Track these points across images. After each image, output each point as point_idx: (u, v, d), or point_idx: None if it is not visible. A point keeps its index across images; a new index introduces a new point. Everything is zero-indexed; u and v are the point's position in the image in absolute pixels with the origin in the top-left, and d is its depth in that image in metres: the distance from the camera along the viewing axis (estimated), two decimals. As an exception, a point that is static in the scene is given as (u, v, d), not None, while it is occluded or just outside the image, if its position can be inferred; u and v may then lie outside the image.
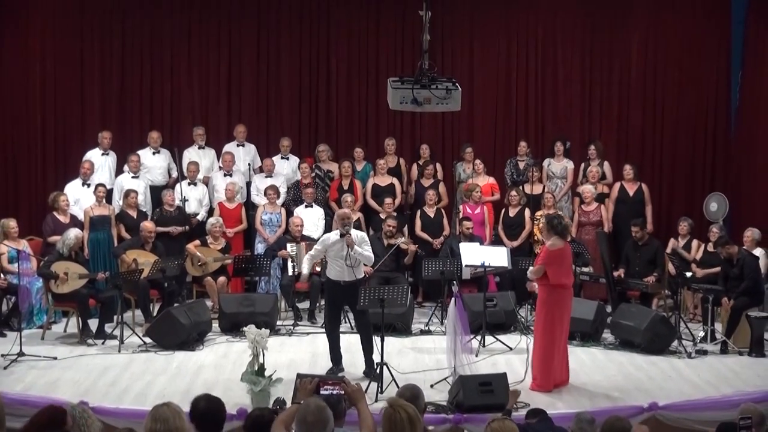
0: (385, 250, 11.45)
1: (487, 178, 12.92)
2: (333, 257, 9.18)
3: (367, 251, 9.18)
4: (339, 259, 9.07)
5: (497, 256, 10.80)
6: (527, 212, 12.41)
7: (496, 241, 12.23)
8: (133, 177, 12.42)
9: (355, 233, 9.14)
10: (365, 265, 9.41)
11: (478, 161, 12.90)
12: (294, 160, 13.17)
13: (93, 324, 10.56)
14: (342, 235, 9.03)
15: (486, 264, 10.61)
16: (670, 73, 14.03)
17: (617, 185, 12.80)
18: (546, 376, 8.90)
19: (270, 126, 13.90)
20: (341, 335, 9.48)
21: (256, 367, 8.33)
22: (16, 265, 10.57)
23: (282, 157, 13.08)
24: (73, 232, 10.77)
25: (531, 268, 9.21)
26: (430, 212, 12.52)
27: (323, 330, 10.81)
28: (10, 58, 13.34)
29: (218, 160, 13.03)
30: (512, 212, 12.51)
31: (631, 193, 12.68)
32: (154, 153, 12.87)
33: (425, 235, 12.41)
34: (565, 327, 9.10)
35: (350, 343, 9.52)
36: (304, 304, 11.80)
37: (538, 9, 13.96)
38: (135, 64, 13.69)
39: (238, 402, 7.95)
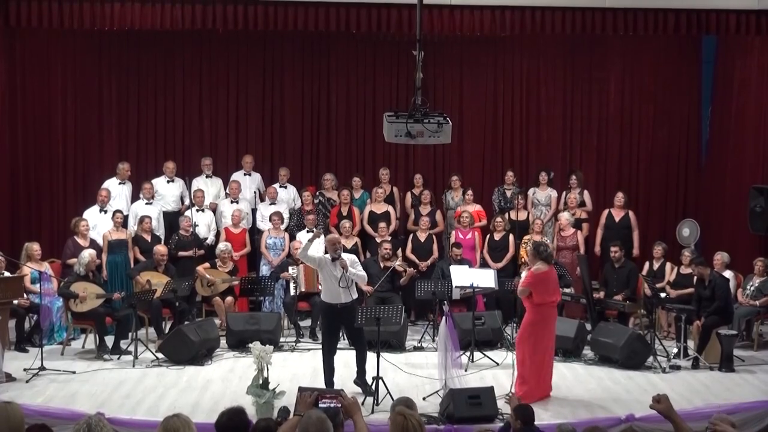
0: (381, 272, 11.47)
1: (474, 205, 12.96)
2: (327, 279, 8.98)
3: (360, 271, 9.14)
4: (333, 281, 8.91)
5: (485, 278, 10.85)
6: (511, 237, 12.43)
7: (483, 264, 12.25)
8: (147, 204, 12.43)
9: (345, 256, 9.03)
10: (362, 284, 9.32)
11: (470, 192, 12.93)
12: (291, 188, 13.18)
13: (109, 340, 10.58)
14: (334, 260, 8.94)
15: (475, 285, 10.65)
16: (645, 107, 14.14)
17: (605, 212, 12.82)
18: (535, 386, 8.92)
19: (274, 157, 13.93)
20: (338, 350, 9.30)
21: (261, 381, 8.35)
22: (38, 285, 10.57)
23: (281, 186, 13.10)
24: (87, 252, 10.80)
25: (519, 287, 9.20)
26: (422, 236, 12.53)
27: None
28: (34, 94, 13.39)
29: (225, 189, 13.05)
30: (497, 237, 12.53)
31: (617, 219, 12.68)
32: (168, 181, 12.86)
33: (413, 257, 12.40)
34: (551, 342, 9.14)
35: (346, 359, 9.45)
36: (306, 322, 11.77)
37: (523, 49, 14.05)
38: (149, 99, 13.76)
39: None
